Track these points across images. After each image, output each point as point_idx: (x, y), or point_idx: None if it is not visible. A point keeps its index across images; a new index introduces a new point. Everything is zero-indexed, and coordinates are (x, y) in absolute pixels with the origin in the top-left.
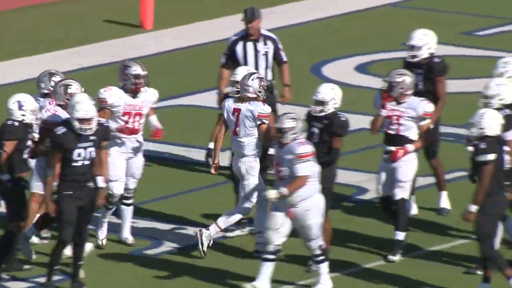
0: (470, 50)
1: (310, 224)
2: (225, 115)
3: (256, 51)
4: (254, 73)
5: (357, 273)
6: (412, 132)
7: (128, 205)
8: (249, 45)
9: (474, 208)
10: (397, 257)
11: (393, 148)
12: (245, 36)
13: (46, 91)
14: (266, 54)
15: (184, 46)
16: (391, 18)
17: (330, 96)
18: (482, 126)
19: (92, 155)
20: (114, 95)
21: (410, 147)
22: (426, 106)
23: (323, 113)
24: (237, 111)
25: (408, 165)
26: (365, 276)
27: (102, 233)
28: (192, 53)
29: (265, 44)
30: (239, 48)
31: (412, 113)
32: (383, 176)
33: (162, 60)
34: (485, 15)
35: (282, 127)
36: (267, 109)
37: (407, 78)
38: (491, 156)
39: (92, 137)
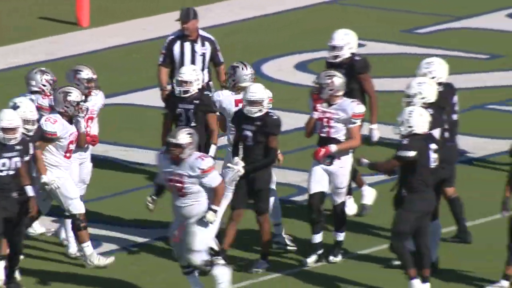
0: (411, 48)
1: (197, 236)
2: (226, 108)
3: (193, 52)
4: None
5: (298, 274)
6: (342, 134)
7: None
8: (187, 45)
9: (365, 162)
10: (338, 258)
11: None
12: (182, 36)
13: (36, 89)
14: (203, 55)
15: (120, 43)
16: (332, 15)
17: (265, 95)
18: (410, 124)
19: (18, 165)
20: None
21: (332, 147)
22: (356, 107)
23: (260, 114)
24: (240, 101)
25: (344, 171)
26: (306, 276)
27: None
28: (128, 51)
29: (203, 45)
30: (176, 47)
31: (342, 114)
32: (316, 173)
33: (98, 58)
34: (426, 12)
35: (180, 143)
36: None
37: (336, 80)
38: (411, 153)
39: (17, 147)
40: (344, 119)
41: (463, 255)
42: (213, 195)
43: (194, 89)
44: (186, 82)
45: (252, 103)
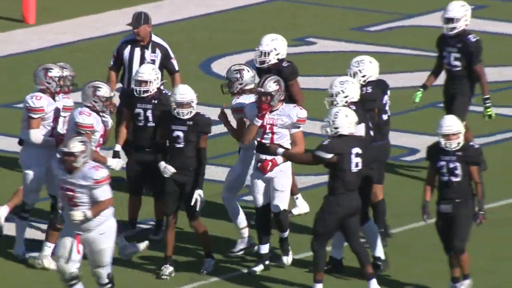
0: (362, 46)
1: (104, 249)
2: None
3: (142, 58)
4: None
5: (236, 278)
6: (286, 140)
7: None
8: (137, 50)
9: (280, 151)
10: (290, 258)
11: (265, 157)
12: (134, 41)
13: (41, 86)
14: (152, 62)
15: (66, 41)
16: (283, 12)
17: (194, 96)
18: (336, 125)
19: None
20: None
21: (279, 159)
22: (299, 112)
23: (191, 114)
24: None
25: (284, 175)
26: (247, 280)
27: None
28: (74, 49)
29: (154, 51)
30: (126, 52)
31: (286, 120)
32: (258, 185)
33: (44, 56)
34: (376, 10)
35: (73, 152)
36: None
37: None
38: (328, 156)
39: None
40: (288, 125)
41: (409, 256)
42: (96, 205)
43: (153, 88)
44: (146, 82)
45: (182, 105)
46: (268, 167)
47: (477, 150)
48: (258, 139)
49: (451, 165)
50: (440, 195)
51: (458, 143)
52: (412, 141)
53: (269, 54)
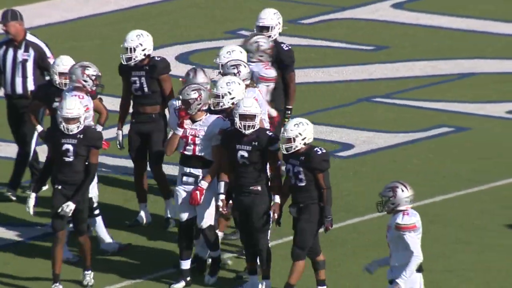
0: (294, 38)
1: None
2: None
3: (15, 57)
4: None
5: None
6: (208, 153)
7: None
8: (10, 51)
9: (277, 198)
10: (214, 279)
11: (194, 172)
12: (10, 41)
13: (77, 84)
14: (23, 61)
15: None
16: (215, 4)
17: (82, 110)
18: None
19: None
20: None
21: (204, 184)
22: (223, 123)
23: (79, 129)
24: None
25: (209, 189)
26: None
27: None
28: None
29: (26, 51)
30: (1, 52)
31: (208, 131)
32: (183, 199)
33: None
34: (309, 2)
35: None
36: None
37: (203, 93)
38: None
39: None
40: (211, 136)
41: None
42: None
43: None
44: (65, 73)
45: (69, 120)
46: (198, 197)
47: (320, 156)
48: (181, 150)
49: (295, 170)
50: (291, 198)
51: (295, 147)
52: (345, 136)
53: (135, 50)
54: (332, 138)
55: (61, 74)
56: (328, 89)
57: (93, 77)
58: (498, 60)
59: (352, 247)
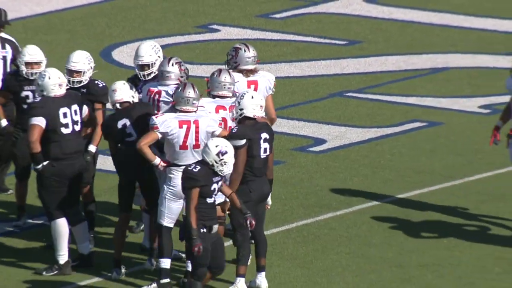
0: (266, 33)
1: None
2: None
3: None
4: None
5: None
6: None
7: None
8: None
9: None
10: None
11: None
12: None
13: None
14: (3, 59)
15: None
16: (185, 0)
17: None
18: (241, 106)
19: None
20: None
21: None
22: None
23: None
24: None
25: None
26: None
27: None
28: None
29: (3, 47)
30: None
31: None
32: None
33: None
34: None
35: None
36: None
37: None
38: (241, 143)
39: None
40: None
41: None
42: None
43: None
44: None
45: (31, 65)
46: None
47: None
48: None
49: None
50: None
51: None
52: (318, 131)
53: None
54: (304, 133)
55: (27, 63)
56: (300, 83)
57: (186, 72)
58: (471, 55)
59: (324, 242)
